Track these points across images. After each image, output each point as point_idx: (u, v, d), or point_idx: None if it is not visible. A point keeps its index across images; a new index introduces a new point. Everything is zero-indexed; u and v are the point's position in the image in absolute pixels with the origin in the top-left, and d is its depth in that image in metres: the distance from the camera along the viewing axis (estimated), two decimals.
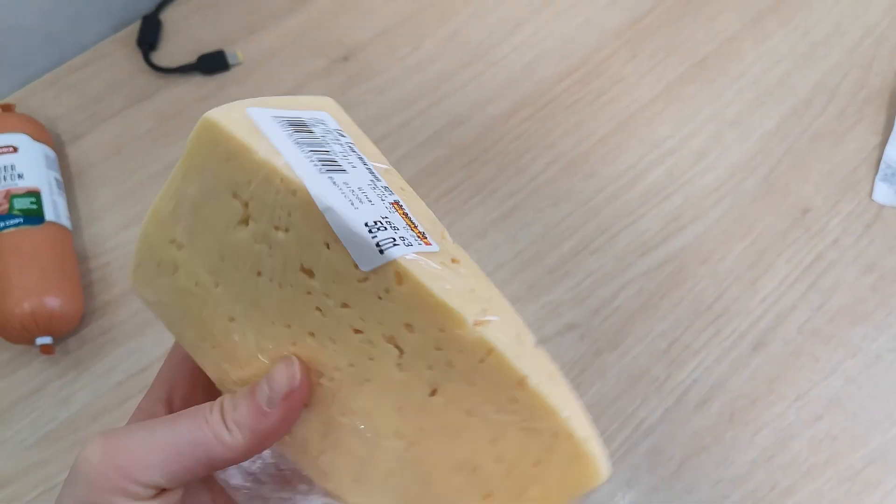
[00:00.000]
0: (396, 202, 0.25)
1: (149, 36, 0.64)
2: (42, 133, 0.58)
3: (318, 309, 0.25)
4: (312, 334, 0.26)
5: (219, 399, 0.26)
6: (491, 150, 0.61)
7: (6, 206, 0.52)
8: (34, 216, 0.53)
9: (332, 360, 0.26)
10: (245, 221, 0.26)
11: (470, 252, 0.26)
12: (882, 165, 0.59)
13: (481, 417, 0.24)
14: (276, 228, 0.25)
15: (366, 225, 0.24)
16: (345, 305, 0.25)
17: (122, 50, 0.65)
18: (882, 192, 0.58)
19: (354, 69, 0.64)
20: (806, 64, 0.64)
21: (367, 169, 0.26)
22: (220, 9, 0.66)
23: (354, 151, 0.26)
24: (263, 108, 0.26)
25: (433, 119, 0.62)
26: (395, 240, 0.24)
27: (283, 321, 0.26)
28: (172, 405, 0.29)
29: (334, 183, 0.24)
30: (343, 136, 0.27)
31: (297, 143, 0.25)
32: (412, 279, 0.23)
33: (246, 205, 0.25)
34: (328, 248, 0.24)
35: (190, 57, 0.63)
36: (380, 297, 0.24)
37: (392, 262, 0.23)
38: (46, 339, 0.51)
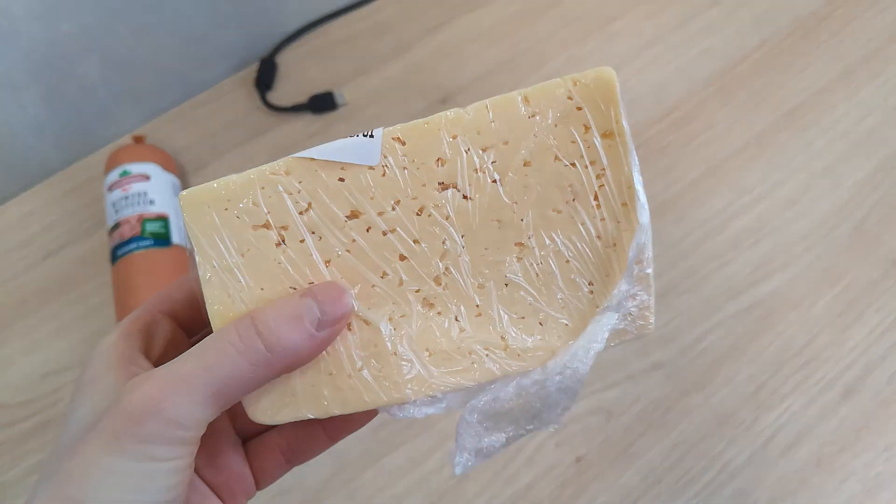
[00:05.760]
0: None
1: (265, 77, 0.69)
2: (170, 163, 0.63)
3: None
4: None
5: (247, 320, 0.24)
6: None
7: (139, 228, 0.57)
8: (162, 239, 0.58)
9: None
10: (282, 239, 0.27)
11: None
12: None
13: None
14: (302, 213, 0.27)
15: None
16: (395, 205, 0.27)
17: (240, 89, 0.70)
18: None
19: None
20: None
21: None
22: (330, 53, 0.71)
23: None
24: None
25: None
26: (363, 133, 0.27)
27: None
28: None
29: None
30: None
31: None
32: (408, 133, 0.27)
33: (267, 224, 0.27)
34: (343, 168, 0.27)
35: (302, 97, 0.68)
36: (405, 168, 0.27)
37: (385, 134, 0.27)
38: None
